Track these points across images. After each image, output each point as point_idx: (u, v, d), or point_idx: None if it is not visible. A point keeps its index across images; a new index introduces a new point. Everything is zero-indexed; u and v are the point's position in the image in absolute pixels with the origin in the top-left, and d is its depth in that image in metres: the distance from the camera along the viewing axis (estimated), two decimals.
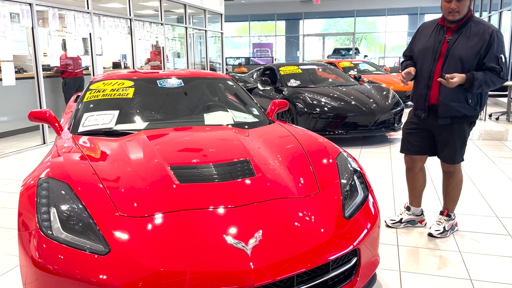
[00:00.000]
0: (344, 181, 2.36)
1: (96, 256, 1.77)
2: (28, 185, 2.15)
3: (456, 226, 3.32)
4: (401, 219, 3.43)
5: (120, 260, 1.76)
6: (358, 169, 2.55)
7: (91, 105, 3.29)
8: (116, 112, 3.17)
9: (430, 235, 3.24)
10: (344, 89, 7.22)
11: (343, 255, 2.01)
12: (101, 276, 1.72)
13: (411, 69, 3.08)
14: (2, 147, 6.94)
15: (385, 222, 3.43)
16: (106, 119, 3.11)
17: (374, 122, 6.62)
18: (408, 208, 3.47)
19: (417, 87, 3.14)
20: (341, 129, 6.55)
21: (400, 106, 7.10)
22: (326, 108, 6.59)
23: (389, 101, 7.01)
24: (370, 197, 2.36)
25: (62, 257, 1.78)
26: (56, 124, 3.28)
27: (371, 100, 6.85)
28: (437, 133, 3.12)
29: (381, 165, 5.42)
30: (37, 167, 2.38)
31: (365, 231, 2.15)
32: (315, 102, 6.70)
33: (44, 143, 7.06)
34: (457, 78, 2.82)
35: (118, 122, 3.09)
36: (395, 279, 2.64)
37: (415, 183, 3.39)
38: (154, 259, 1.76)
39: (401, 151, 3.37)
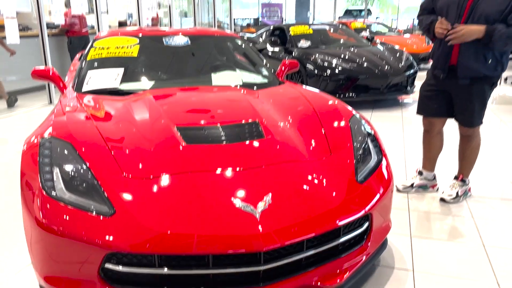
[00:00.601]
0: (357, 144, 2.27)
1: (101, 218, 1.72)
2: (31, 144, 2.09)
3: (469, 192, 3.24)
4: (413, 184, 3.35)
5: (125, 222, 1.71)
6: (372, 132, 2.45)
7: (95, 63, 3.18)
8: (121, 71, 3.06)
9: (442, 200, 3.17)
10: (356, 51, 6.99)
11: (354, 220, 1.94)
12: (106, 238, 1.68)
13: (443, 19, 2.83)
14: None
15: (396, 187, 3.36)
16: (111, 78, 3.00)
17: (386, 85, 6.44)
18: (420, 173, 3.37)
19: (439, 44, 2.97)
20: (352, 92, 6.39)
21: (414, 68, 6.89)
22: (337, 70, 6.40)
23: (402, 63, 6.79)
24: (383, 161, 2.27)
25: (66, 218, 1.73)
26: (60, 83, 3.20)
27: (384, 62, 6.64)
28: (456, 94, 2.98)
29: (393, 129, 5.30)
30: (40, 125, 2.31)
31: (378, 196, 2.08)
32: (325, 64, 6.50)
33: (51, 102, 7.00)
34: (468, 30, 2.66)
35: (123, 81, 2.99)
36: (406, 245, 2.59)
37: (432, 146, 3.28)
38: (160, 222, 1.71)
39: (418, 113, 3.24)
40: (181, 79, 3.18)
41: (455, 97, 3.00)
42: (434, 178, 3.37)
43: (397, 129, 5.28)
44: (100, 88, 2.90)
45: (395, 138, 4.89)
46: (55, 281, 1.80)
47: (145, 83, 3.08)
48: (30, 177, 1.91)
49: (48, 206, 1.77)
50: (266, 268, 1.76)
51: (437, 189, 3.36)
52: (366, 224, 2.05)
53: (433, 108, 3.12)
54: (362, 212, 1.97)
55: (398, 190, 3.35)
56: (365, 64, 6.50)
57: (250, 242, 1.70)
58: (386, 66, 6.52)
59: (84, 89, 2.92)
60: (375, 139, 2.40)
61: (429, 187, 3.36)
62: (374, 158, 2.25)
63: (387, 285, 2.20)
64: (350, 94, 6.38)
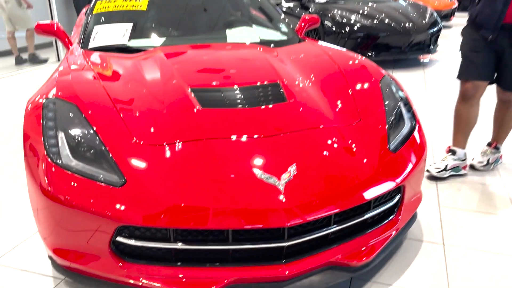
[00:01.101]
0: (388, 108, 2.06)
1: (110, 187, 1.58)
2: (35, 105, 1.92)
3: (500, 159, 3.04)
4: (446, 165, 2.87)
5: (137, 193, 1.56)
6: (404, 95, 2.23)
7: (102, 18, 2.95)
8: (130, 26, 2.83)
9: (472, 167, 2.98)
10: (376, 6, 6.59)
11: (386, 193, 1.78)
12: (117, 209, 1.54)
13: None
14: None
15: (428, 171, 2.86)
16: (119, 33, 2.78)
17: (408, 43, 6.10)
18: (453, 152, 2.92)
19: (489, 2, 2.62)
20: (372, 51, 6.07)
21: (438, 26, 6.50)
22: (356, 27, 6.06)
23: (426, 20, 6.40)
24: (417, 128, 2.07)
25: (73, 187, 1.59)
26: (66, 39, 3.00)
27: (407, 18, 6.25)
28: (506, 56, 2.65)
29: (414, 91, 5.03)
30: (45, 83, 2.13)
31: (411, 166, 1.90)
32: (344, 20, 6.15)
33: (58, 60, 6.81)
34: None
35: (132, 37, 2.77)
36: (435, 216, 2.43)
37: (471, 116, 2.86)
38: (175, 193, 1.56)
39: (461, 77, 2.83)
40: (194, 36, 2.95)
41: (504, 59, 2.67)
42: (466, 157, 2.94)
43: (420, 91, 5.01)
44: (107, 45, 2.69)
45: (417, 102, 4.64)
46: (64, 254, 1.68)
47: (155, 39, 2.85)
48: (34, 141, 1.75)
49: (53, 174, 1.63)
50: (289, 244, 1.62)
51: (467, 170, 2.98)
52: (397, 197, 1.89)
53: (481, 71, 2.75)
54: (394, 184, 1.80)
55: (431, 176, 2.87)
56: (386, 21, 6.14)
57: (273, 217, 1.54)
58: (409, 23, 6.15)
59: (91, 45, 2.71)
60: (408, 103, 2.19)
61: (461, 168, 2.91)
62: (407, 125, 2.05)
63: (416, 259, 2.06)
64: (370, 53, 6.06)
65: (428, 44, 6.38)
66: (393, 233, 1.89)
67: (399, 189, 1.89)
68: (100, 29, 2.84)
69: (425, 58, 6.92)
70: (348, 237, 1.78)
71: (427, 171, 2.86)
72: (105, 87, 2.00)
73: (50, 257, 1.80)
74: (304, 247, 1.70)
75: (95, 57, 2.48)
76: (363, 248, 1.78)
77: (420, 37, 6.18)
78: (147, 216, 1.52)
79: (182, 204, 1.53)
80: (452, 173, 2.88)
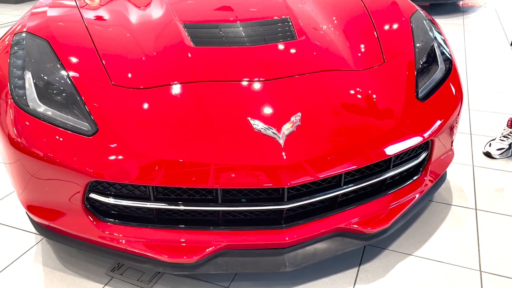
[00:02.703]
0: (419, 49, 1.72)
1: (80, 137, 1.35)
2: (2, 41, 1.69)
3: None
4: (510, 144, 2.31)
5: (110, 144, 1.33)
6: (440, 34, 1.87)
7: None
8: None
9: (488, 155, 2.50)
10: None
11: (410, 148, 1.48)
12: (87, 160, 1.31)
13: None
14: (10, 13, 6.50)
15: (489, 153, 2.29)
16: None
17: None
18: None
19: None
20: None
21: None
22: None
23: None
24: (453, 72, 1.73)
25: (40, 135, 1.37)
26: None
27: None
28: None
29: (453, 40, 4.53)
30: (20, 18, 1.88)
31: (443, 118, 1.58)
32: None
33: None
34: None
35: None
36: (467, 176, 2.12)
37: None
38: (153, 145, 1.32)
39: None
40: None
41: None
42: None
43: (458, 40, 4.51)
44: None
45: (456, 52, 4.16)
46: (38, 211, 1.49)
47: None
48: (0, 82, 1.53)
49: (19, 120, 1.41)
50: (290, 207, 1.37)
51: None
52: (424, 154, 1.59)
53: None
54: (421, 139, 1.50)
55: (489, 157, 2.30)
56: None
57: (270, 175, 1.29)
58: None
59: None
60: (443, 42, 1.84)
61: None
62: (441, 68, 1.71)
63: (442, 226, 1.79)
64: None
65: None
66: (417, 195, 1.61)
67: (426, 145, 1.59)
68: None
69: (466, 4, 6.26)
70: (362, 199, 1.52)
71: (486, 154, 2.30)
72: (86, 22, 1.72)
73: (27, 213, 1.63)
74: (309, 210, 1.46)
75: None
76: (380, 213, 1.52)
77: None
78: (120, 171, 1.29)
79: (162, 158, 1.29)
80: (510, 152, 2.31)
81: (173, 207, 1.36)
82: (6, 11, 6.59)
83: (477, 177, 2.12)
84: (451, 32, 4.80)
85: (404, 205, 1.56)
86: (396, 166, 1.52)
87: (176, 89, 1.46)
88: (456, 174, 2.14)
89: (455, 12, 5.83)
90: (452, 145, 1.77)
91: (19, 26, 1.71)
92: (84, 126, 1.37)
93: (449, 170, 2.14)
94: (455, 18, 5.49)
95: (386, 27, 1.82)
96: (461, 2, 6.28)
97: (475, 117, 2.76)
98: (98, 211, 1.43)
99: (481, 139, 2.47)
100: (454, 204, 1.92)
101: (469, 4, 6.27)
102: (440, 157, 1.69)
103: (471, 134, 2.55)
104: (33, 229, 1.80)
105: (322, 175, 1.33)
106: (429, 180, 1.65)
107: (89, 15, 1.80)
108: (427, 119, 1.54)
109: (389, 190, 1.56)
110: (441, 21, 5.30)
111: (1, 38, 1.77)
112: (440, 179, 1.77)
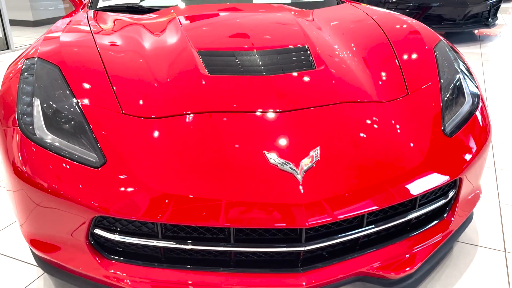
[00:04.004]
0: (445, 81, 1.64)
1: (87, 168, 1.27)
2: (15, 65, 1.65)
3: None
4: None
5: (117, 176, 1.25)
6: (465, 65, 1.79)
7: None
8: None
9: None
10: None
11: (437, 187, 1.38)
12: (92, 194, 1.24)
13: None
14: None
15: None
16: None
17: (464, 15, 5.45)
18: None
19: None
20: (422, 23, 5.45)
21: None
22: None
23: None
24: (480, 106, 1.64)
25: (46, 166, 1.30)
26: (77, 0, 2.71)
27: None
28: None
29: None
30: (33, 43, 1.85)
31: (471, 154, 1.48)
32: None
33: None
34: None
35: None
36: (494, 215, 2.00)
37: None
38: (164, 178, 1.24)
39: None
40: None
41: None
42: None
43: (476, 70, 4.43)
44: (117, 4, 2.38)
45: None
46: (40, 245, 1.41)
47: None
48: (8, 108, 1.47)
49: (25, 149, 1.34)
50: (308, 249, 1.27)
51: None
52: (451, 193, 1.49)
53: None
54: (448, 178, 1.40)
55: None
56: None
57: (287, 214, 1.20)
58: None
59: (100, 5, 2.41)
60: (469, 74, 1.75)
61: None
62: (468, 102, 1.62)
63: (471, 267, 1.66)
64: None
65: (487, 17, 5.70)
66: (444, 237, 1.49)
67: (454, 183, 1.49)
68: None
69: (482, 33, 6.21)
70: (385, 241, 1.41)
71: None
72: (99, 48, 1.68)
73: (30, 249, 1.55)
74: (328, 252, 1.36)
75: (99, 16, 2.17)
76: (404, 256, 1.40)
77: (477, 8, 5.50)
78: (126, 206, 1.21)
79: (171, 193, 1.21)
80: None
81: (182, 246, 1.27)
82: (24, 33, 6.71)
83: (504, 215, 2.00)
84: (469, 61, 4.71)
85: (430, 248, 1.45)
86: (421, 205, 1.42)
87: (188, 119, 1.39)
88: (482, 211, 2.02)
89: (472, 40, 5.77)
90: (479, 182, 1.66)
91: (32, 50, 1.68)
92: (92, 157, 1.29)
93: (476, 208, 2.02)
94: (472, 47, 5.42)
95: (409, 57, 1.75)
96: (476, 31, 6.23)
97: (499, 150, 2.65)
98: (103, 247, 1.34)
99: (506, 174, 2.35)
100: (481, 245, 1.79)
101: (484, 33, 6.20)
102: (468, 196, 1.58)
103: (495, 168, 2.43)
104: (35, 262, 1.72)
105: (343, 216, 1.23)
106: (457, 221, 1.54)
107: (103, 40, 1.76)
108: (454, 155, 1.45)
109: (414, 231, 1.45)
110: (458, 49, 5.23)
111: (14, 60, 1.73)
112: (467, 219, 1.65)
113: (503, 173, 2.37)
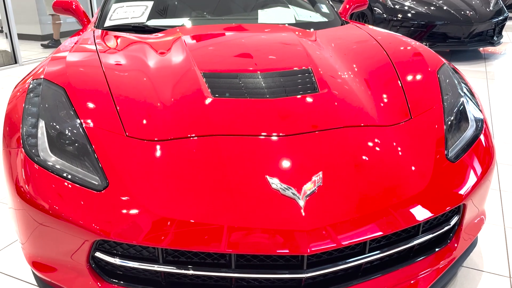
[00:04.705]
0: (448, 105, 1.63)
1: (89, 191, 1.28)
2: (22, 84, 1.67)
3: None
4: None
5: (119, 200, 1.25)
6: (469, 89, 1.79)
7: None
8: (150, 4, 2.54)
9: None
10: None
11: (441, 213, 1.37)
12: (94, 217, 1.24)
13: None
14: (36, 50, 6.67)
15: None
16: (138, 11, 2.50)
17: (468, 33, 5.47)
18: None
19: None
20: (427, 41, 5.48)
21: (503, 15, 5.81)
22: (410, 14, 5.50)
23: (490, 8, 5.72)
24: (484, 130, 1.64)
25: (48, 187, 1.30)
26: (84, 19, 2.76)
27: (468, 5, 5.61)
28: None
29: (476, 89, 4.43)
30: (40, 63, 1.87)
31: (475, 179, 1.47)
32: (397, 7, 5.61)
33: None
34: None
35: (152, 16, 2.48)
36: (499, 239, 1.98)
37: None
38: (165, 203, 1.24)
39: None
40: (219, 16, 2.61)
41: None
42: None
43: (481, 88, 4.43)
44: (124, 24, 2.41)
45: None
46: (41, 267, 1.41)
47: (176, 19, 2.54)
48: (13, 128, 1.49)
49: (28, 170, 1.35)
50: (310, 275, 1.25)
51: None
52: (455, 219, 1.47)
53: None
54: (451, 204, 1.38)
55: None
56: (444, 7, 5.53)
57: (289, 240, 1.19)
58: (470, 10, 5.50)
59: (107, 24, 2.44)
60: (472, 98, 1.75)
61: None
62: (471, 126, 1.61)
63: None
64: (424, 44, 5.47)
65: (491, 35, 5.71)
66: (448, 263, 1.48)
67: (457, 209, 1.48)
68: (119, 6, 2.56)
69: (487, 51, 6.22)
70: (388, 267, 1.39)
71: None
72: (105, 70, 1.70)
73: (32, 271, 1.55)
74: (330, 278, 1.34)
75: (105, 36, 2.20)
76: (408, 283, 1.39)
77: (482, 27, 5.52)
78: (128, 230, 1.21)
79: (173, 218, 1.21)
80: None
81: (182, 271, 1.26)
82: (33, 47, 6.80)
83: (510, 239, 1.98)
84: (474, 79, 4.72)
85: (433, 274, 1.43)
86: (425, 231, 1.40)
87: (191, 143, 1.39)
88: (486, 235, 2.00)
89: (476, 58, 5.77)
90: (484, 207, 1.65)
91: (40, 69, 1.70)
92: (94, 179, 1.30)
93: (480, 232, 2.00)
94: (477, 65, 5.42)
95: (412, 80, 1.75)
96: (481, 49, 6.24)
97: (504, 171, 2.63)
98: (103, 271, 1.34)
99: (511, 196, 2.34)
100: (486, 271, 1.77)
101: (489, 51, 6.21)
102: (473, 221, 1.56)
103: (500, 190, 2.41)
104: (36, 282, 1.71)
105: (345, 242, 1.22)
106: (461, 247, 1.52)
107: (108, 60, 1.78)
108: (458, 181, 1.44)
109: (417, 258, 1.43)
110: (462, 68, 5.24)
111: (23, 79, 1.75)
112: (472, 244, 1.63)
113: (508, 195, 2.35)
